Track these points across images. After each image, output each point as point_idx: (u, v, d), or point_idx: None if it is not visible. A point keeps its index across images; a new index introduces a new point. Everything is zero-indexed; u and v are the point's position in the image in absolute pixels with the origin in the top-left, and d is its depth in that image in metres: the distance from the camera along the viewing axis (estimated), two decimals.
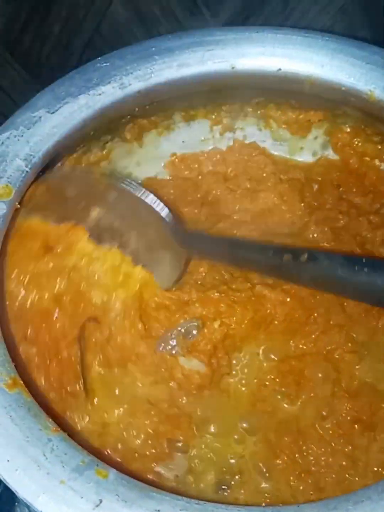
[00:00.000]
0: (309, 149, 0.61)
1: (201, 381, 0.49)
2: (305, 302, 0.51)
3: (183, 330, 0.50)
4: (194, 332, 0.50)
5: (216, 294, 0.51)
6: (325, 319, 0.50)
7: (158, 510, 0.33)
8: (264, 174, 0.59)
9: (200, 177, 0.60)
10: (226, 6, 0.75)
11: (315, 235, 0.55)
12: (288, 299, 0.51)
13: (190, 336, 0.50)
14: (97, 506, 0.33)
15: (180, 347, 0.50)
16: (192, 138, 0.61)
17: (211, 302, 0.51)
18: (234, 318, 0.50)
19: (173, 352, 0.50)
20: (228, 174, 0.60)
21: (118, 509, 0.33)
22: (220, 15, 0.76)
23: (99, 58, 0.52)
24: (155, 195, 0.50)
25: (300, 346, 0.50)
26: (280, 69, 0.52)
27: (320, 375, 0.49)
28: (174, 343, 0.50)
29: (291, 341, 0.51)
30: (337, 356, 0.49)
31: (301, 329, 0.51)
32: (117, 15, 0.76)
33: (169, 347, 0.50)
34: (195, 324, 0.50)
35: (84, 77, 0.50)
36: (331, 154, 0.60)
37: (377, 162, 0.58)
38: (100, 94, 0.50)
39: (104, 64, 0.51)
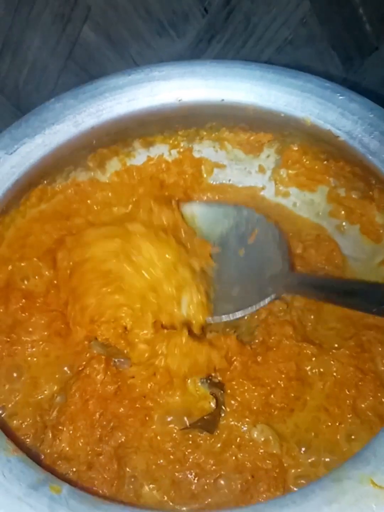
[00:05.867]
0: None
1: None
2: None
3: None
4: None
5: None
6: None
7: None
8: None
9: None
10: (192, 26, 0.78)
11: None
12: None
13: None
14: None
15: None
16: None
17: None
18: None
19: None
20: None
21: None
22: (186, 35, 0.79)
23: (52, 99, 0.55)
24: None
25: None
26: (223, 100, 0.55)
27: None
28: None
29: None
30: None
31: None
32: (88, 40, 0.79)
33: None
34: None
35: (39, 118, 0.54)
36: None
37: None
38: (55, 133, 0.54)
39: (58, 105, 0.54)
